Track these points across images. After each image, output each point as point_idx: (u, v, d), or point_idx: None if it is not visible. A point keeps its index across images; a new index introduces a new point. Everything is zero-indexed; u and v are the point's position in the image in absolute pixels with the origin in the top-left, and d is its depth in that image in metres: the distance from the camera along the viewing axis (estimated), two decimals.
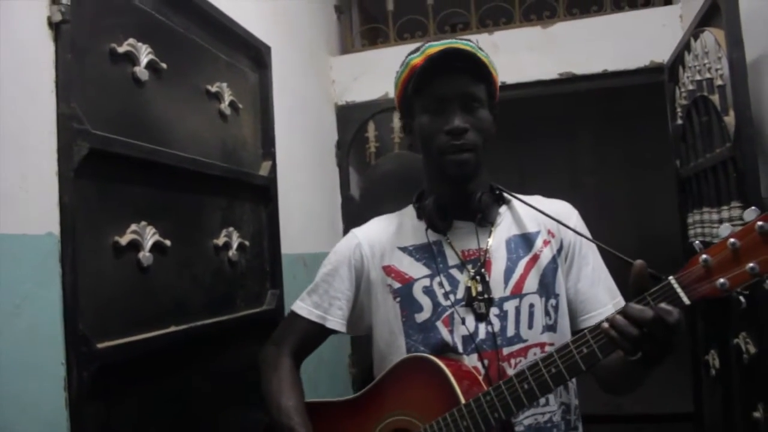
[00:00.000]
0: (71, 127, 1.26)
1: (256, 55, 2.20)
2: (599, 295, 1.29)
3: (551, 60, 2.96)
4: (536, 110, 4.83)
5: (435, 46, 1.24)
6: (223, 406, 1.81)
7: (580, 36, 2.95)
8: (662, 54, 2.81)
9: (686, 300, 0.94)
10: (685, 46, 2.42)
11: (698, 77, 2.26)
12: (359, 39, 3.47)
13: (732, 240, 0.90)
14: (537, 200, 1.33)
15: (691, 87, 2.38)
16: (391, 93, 3.13)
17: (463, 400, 1.12)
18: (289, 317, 1.42)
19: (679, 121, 2.62)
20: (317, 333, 1.38)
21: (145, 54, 1.55)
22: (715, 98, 2.07)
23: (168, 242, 1.58)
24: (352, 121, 3.16)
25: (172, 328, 1.58)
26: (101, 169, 1.38)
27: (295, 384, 1.35)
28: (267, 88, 2.24)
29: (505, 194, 1.35)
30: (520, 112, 4.47)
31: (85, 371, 1.24)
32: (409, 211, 1.38)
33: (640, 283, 0.99)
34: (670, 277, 0.96)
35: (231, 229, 1.92)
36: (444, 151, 1.21)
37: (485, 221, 1.28)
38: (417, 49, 1.28)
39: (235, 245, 1.93)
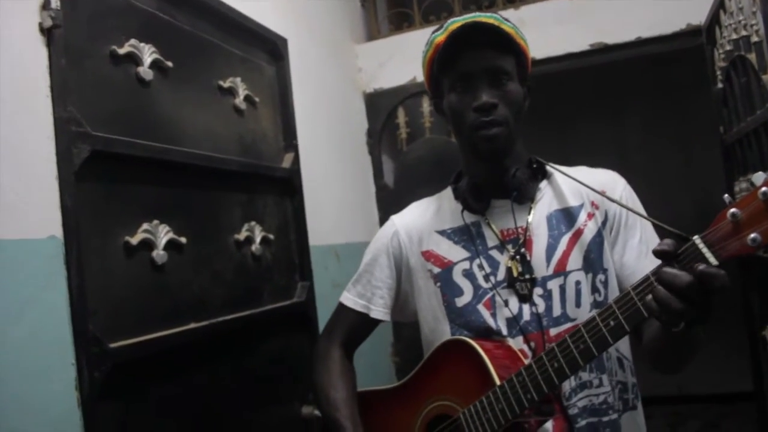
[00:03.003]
0: (69, 130, 1.27)
1: (272, 48, 2.19)
2: (647, 268, 1.18)
3: (581, 31, 2.85)
4: (575, 87, 4.68)
5: (457, 22, 1.21)
6: (253, 403, 1.81)
7: (611, 4, 2.82)
8: (699, 16, 2.66)
9: (713, 260, 0.84)
10: (719, 5, 2.29)
11: (734, 36, 2.13)
12: (386, 24, 3.42)
13: (764, 189, 0.79)
14: (581, 171, 1.27)
15: (728, 47, 2.25)
16: (419, 77, 3.13)
17: (498, 382, 1.09)
18: (337, 308, 1.43)
19: (720, 85, 2.49)
20: (364, 323, 1.38)
21: (148, 54, 1.56)
22: (753, 57, 1.95)
23: (184, 240, 1.58)
24: (382, 108, 3.12)
25: (192, 325, 1.59)
26: (106, 170, 1.39)
27: (344, 374, 1.36)
28: (285, 80, 2.23)
29: (547, 167, 1.29)
30: (558, 89, 4.34)
31: (97, 371, 1.25)
32: (447, 193, 1.36)
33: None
34: (695, 237, 0.87)
35: (253, 223, 1.92)
36: (474, 129, 1.17)
37: (524, 198, 1.24)
38: (440, 26, 1.25)
39: (258, 239, 1.93)
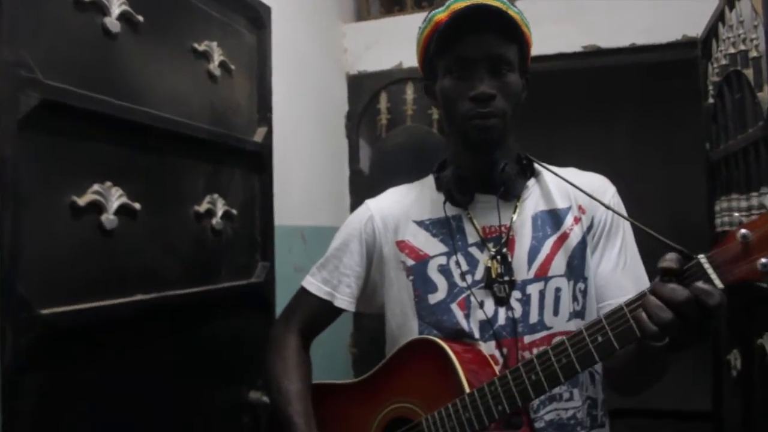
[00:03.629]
0: (18, 75, 1.17)
1: (254, 15, 2.08)
2: (621, 282, 1.15)
3: (575, 32, 2.78)
4: (567, 88, 4.62)
5: (461, 1, 1.11)
6: (197, 384, 1.72)
7: (607, 6, 2.76)
8: (695, 28, 2.61)
9: (719, 282, 0.79)
10: (719, 17, 2.23)
11: (732, 50, 2.08)
12: (376, 6, 3.33)
13: None
14: (570, 173, 1.20)
15: (724, 62, 2.20)
16: (406, 63, 3.05)
17: (467, 390, 1.02)
18: (298, 293, 1.34)
19: (711, 100, 2.44)
20: (326, 311, 1.30)
21: (117, 4, 1.45)
22: (749, 72, 1.90)
23: (138, 206, 1.48)
24: (364, 91, 3.03)
25: (138, 297, 1.49)
26: (57, 123, 1.28)
27: (299, 365, 1.28)
28: (265, 50, 2.12)
29: (535, 165, 1.22)
30: (548, 89, 4.27)
31: (24, 338, 1.15)
32: (429, 181, 1.28)
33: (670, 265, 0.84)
34: (700, 256, 0.81)
35: (216, 195, 1.82)
36: (468, 118, 1.11)
37: (510, 195, 1.16)
38: (442, 3, 1.15)
39: (219, 213, 1.83)
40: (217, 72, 1.85)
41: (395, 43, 2.91)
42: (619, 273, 1.16)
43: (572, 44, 2.78)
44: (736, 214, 2.02)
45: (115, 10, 1.44)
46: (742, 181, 2.03)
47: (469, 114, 1.10)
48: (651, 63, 2.93)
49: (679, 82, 3.29)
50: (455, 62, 1.12)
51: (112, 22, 1.43)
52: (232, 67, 1.92)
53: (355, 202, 2.88)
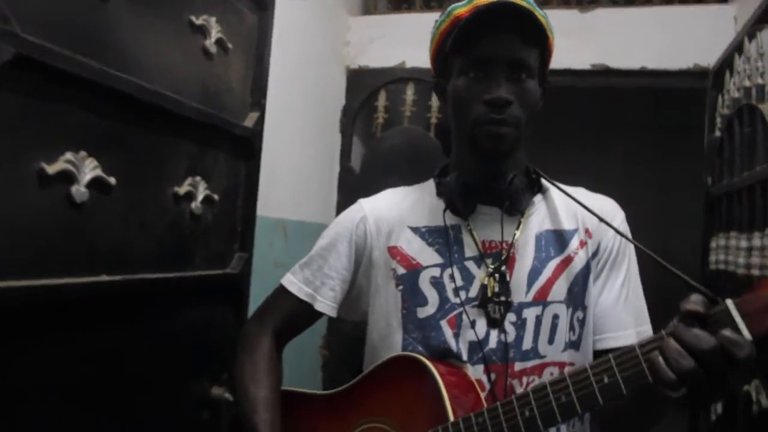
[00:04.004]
0: None
1: None
2: (621, 316, 1.08)
3: (585, 49, 2.72)
4: (566, 106, 4.55)
5: None
6: (157, 376, 1.61)
7: (620, 26, 2.71)
8: (708, 58, 2.55)
9: (746, 333, 0.71)
10: (736, 48, 2.17)
11: (747, 83, 2.02)
12: (384, 1, 3.24)
13: None
14: (580, 193, 1.13)
15: (737, 94, 2.14)
16: (409, 62, 2.97)
17: (452, 417, 0.94)
18: (276, 291, 1.25)
19: (717, 133, 2.38)
20: (305, 313, 1.20)
21: None
22: (765, 107, 1.83)
23: (113, 180, 1.38)
24: (363, 87, 2.95)
25: (103, 278, 1.38)
26: (32, 82, 1.17)
27: (270, 371, 1.18)
28: (266, 32, 2.02)
29: (543, 180, 1.14)
30: (550, 104, 4.20)
31: None
32: (429, 186, 1.20)
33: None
34: (728, 301, 0.74)
35: (198, 178, 1.72)
36: (480, 123, 1.04)
37: (515, 209, 1.08)
38: None
39: (200, 197, 1.73)
40: (213, 49, 1.75)
41: (400, 41, 2.84)
42: (621, 306, 1.09)
43: (581, 61, 2.71)
44: (741, 257, 1.95)
45: None
46: (744, 219, 1.97)
47: (482, 119, 1.03)
48: (657, 89, 2.86)
49: (682, 111, 3.23)
50: (472, 62, 1.04)
51: None
52: (230, 45, 1.83)
53: (343, 200, 2.79)
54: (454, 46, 1.05)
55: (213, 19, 1.74)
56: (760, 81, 1.91)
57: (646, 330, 1.09)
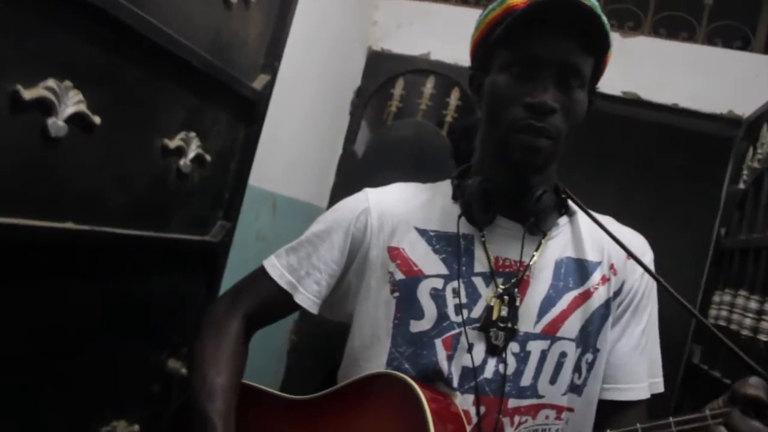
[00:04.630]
0: None
1: None
2: (637, 367, 1.00)
3: (620, 75, 2.58)
4: (593, 131, 4.40)
5: None
6: (112, 340, 1.47)
7: (659, 59, 2.59)
8: (743, 107, 2.44)
9: None
10: None
11: None
12: None
13: None
14: (608, 223, 1.03)
15: None
16: (435, 54, 2.82)
17: None
18: (256, 272, 1.12)
19: (742, 185, 2.26)
20: (282, 303, 1.08)
21: None
22: None
23: (97, 119, 1.23)
24: (382, 71, 2.81)
25: (69, 225, 1.24)
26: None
27: (234, 357, 1.06)
28: None
29: (570, 203, 1.04)
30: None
31: None
32: (444, 187, 1.09)
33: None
34: None
35: (192, 134, 1.57)
36: (516, 128, 0.93)
37: (537, 228, 0.98)
38: None
39: (191, 154, 1.58)
40: None
41: (428, 31, 2.71)
42: (637, 356, 1.00)
43: (613, 87, 2.58)
44: (749, 319, 1.84)
45: None
46: (759, 280, 1.86)
47: (519, 124, 0.92)
48: (687, 130, 2.74)
49: (706, 156, 3.10)
50: (519, 58, 0.93)
51: None
52: None
53: (339, 184, 2.65)
54: (503, 37, 0.93)
55: None
56: None
57: (659, 383, 1.03)
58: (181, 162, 1.56)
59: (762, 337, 1.73)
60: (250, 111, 1.82)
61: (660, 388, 1.03)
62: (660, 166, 4.78)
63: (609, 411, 1.00)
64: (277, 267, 1.10)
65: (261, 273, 1.12)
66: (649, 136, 3.94)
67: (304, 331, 2.72)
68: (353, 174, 2.64)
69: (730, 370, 1.90)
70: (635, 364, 1.00)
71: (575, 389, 0.98)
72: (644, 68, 2.55)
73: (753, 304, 1.84)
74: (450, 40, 2.59)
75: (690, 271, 2.52)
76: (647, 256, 1.05)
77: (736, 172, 2.37)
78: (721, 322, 2.06)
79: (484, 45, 1.01)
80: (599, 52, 0.96)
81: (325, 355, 1.93)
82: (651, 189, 4.85)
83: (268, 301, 1.10)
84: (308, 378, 2.38)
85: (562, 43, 0.91)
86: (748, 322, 1.84)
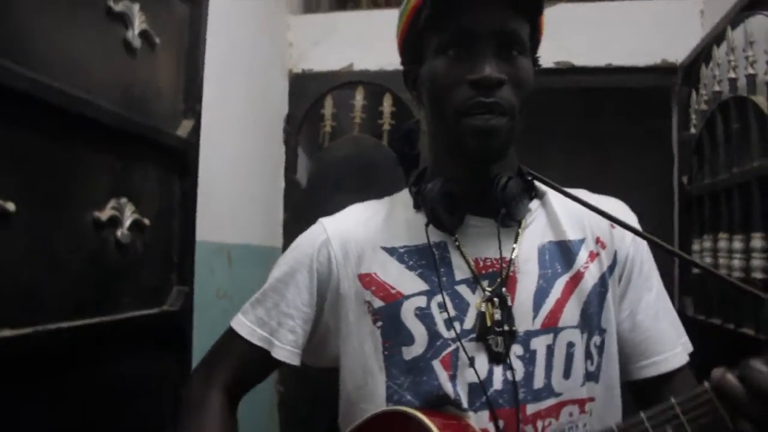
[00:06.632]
0: None
1: None
2: (665, 334, 0.95)
3: (548, 46, 2.52)
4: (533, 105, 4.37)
5: None
6: None
7: (584, 23, 2.56)
8: (676, 53, 2.42)
9: None
10: (714, 39, 2.02)
11: (732, 75, 1.86)
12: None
13: None
14: (582, 195, 0.96)
15: (718, 88, 1.99)
16: (358, 65, 2.70)
17: None
18: (225, 336, 1.05)
19: (693, 130, 2.23)
20: (260, 362, 1.00)
21: None
22: (760, 99, 1.67)
23: (11, 206, 1.07)
24: (308, 93, 2.69)
25: (6, 333, 1.07)
26: None
27: (222, 429, 0.95)
28: (198, 27, 1.74)
29: (539, 183, 0.98)
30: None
31: None
32: (403, 197, 1.04)
33: None
34: None
35: (124, 200, 1.42)
36: (465, 111, 0.86)
37: (510, 219, 0.90)
38: None
39: (127, 223, 1.43)
40: (137, 43, 1.46)
41: (346, 42, 2.61)
42: (661, 322, 0.95)
43: (544, 59, 2.51)
44: (737, 260, 1.78)
45: None
46: (736, 219, 1.81)
47: (467, 104, 0.85)
48: (624, 87, 2.71)
49: (648, 112, 3.08)
50: (453, 37, 0.86)
51: None
52: (157, 40, 1.54)
53: (290, 219, 2.51)
54: (431, 19, 0.86)
55: (136, 6, 1.45)
56: (750, 71, 1.75)
57: (687, 341, 0.97)
58: (118, 233, 1.40)
59: (757, 275, 1.67)
60: (181, 161, 1.68)
61: (690, 346, 0.97)
62: (605, 130, 4.78)
63: (653, 388, 0.94)
64: (246, 324, 1.00)
65: (231, 335, 1.02)
66: (590, 102, 3.92)
67: (290, 379, 2.56)
68: (301, 206, 2.51)
69: (727, 313, 1.84)
70: (662, 331, 0.95)
71: (592, 377, 0.91)
72: (572, 35, 2.49)
73: (737, 244, 1.78)
74: (370, 46, 2.52)
75: (659, 226, 2.48)
76: (630, 219, 0.98)
77: (684, 119, 2.34)
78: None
79: (411, 35, 0.94)
80: (533, 13, 0.89)
81: (318, 401, 1.78)
82: (600, 154, 4.85)
83: (245, 363, 1.00)
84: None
85: (494, 11, 0.85)
86: (736, 263, 1.78)
